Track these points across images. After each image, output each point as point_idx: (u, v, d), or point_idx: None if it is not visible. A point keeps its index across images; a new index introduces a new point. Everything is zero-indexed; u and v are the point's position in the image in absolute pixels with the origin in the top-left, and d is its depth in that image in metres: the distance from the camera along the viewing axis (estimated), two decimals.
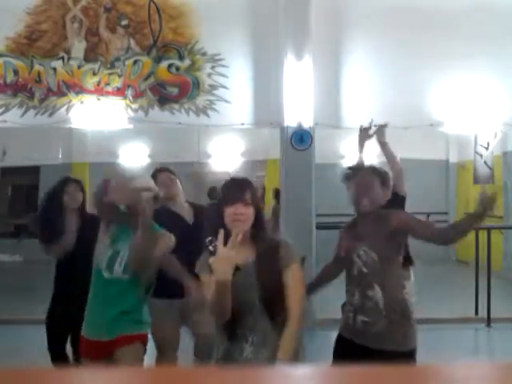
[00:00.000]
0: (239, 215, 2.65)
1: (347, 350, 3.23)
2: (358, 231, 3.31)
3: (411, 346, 3.21)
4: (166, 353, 4.03)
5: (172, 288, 3.77)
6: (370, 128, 4.71)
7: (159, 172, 4.21)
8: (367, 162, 4.17)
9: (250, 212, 2.67)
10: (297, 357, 2.64)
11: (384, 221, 3.23)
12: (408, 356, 3.15)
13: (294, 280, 2.68)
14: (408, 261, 3.86)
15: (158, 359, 4.05)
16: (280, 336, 2.60)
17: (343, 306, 3.39)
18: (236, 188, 2.72)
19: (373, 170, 3.43)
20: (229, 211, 2.65)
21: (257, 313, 2.64)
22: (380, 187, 3.32)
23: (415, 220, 3.33)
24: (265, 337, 2.63)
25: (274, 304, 2.64)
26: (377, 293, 3.18)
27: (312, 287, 3.46)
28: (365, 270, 3.21)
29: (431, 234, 3.26)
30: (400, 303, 3.23)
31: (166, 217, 3.79)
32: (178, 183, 4.21)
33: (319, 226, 7.29)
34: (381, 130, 4.76)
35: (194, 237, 3.34)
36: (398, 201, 4.12)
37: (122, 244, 3.29)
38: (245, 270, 2.64)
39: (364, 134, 4.69)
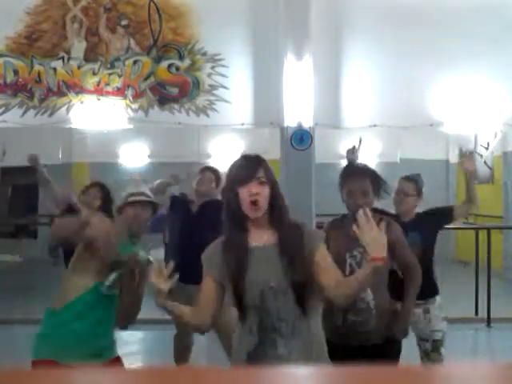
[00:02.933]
0: (254, 195, 2.38)
1: (337, 355, 3.20)
2: (348, 231, 3.21)
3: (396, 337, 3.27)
4: (182, 332, 4.44)
5: (185, 273, 3.81)
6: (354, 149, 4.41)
7: (204, 170, 4.95)
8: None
9: (265, 191, 2.41)
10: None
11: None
12: (391, 344, 3.21)
13: (326, 260, 2.43)
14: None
15: (175, 337, 4.53)
16: (309, 326, 2.40)
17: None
18: (247, 166, 2.45)
19: (368, 171, 3.36)
20: (242, 191, 2.39)
21: (283, 300, 2.37)
22: (373, 189, 3.27)
23: (403, 242, 3.32)
24: (294, 326, 2.38)
25: (305, 289, 2.38)
26: (368, 294, 3.15)
27: None
28: (357, 269, 3.15)
29: (405, 265, 3.33)
30: (390, 309, 3.25)
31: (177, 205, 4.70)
32: (213, 183, 4.82)
33: (319, 226, 7.28)
34: (469, 158, 4.62)
35: (194, 226, 3.49)
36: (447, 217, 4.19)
37: None
38: (265, 255, 2.41)
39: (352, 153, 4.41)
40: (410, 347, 3.77)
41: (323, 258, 2.42)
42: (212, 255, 2.51)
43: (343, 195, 3.30)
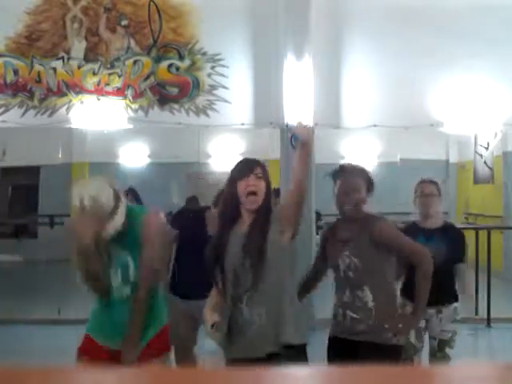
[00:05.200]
0: (251, 186, 2.78)
1: (341, 349, 3.23)
2: (340, 234, 3.24)
3: (395, 342, 3.21)
4: (179, 351, 3.98)
5: (191, 289, 3.80)
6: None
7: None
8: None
9: (262, 185, 2.81)
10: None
11: (367, 228, 3.16)
12: (392, 350, 3.15)
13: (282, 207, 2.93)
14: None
15: (175, 356, 3.95)
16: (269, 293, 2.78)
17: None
18: (247, 164, 2.88)
19: (361, 171, 3.33)
20: (241, 184, 2.79)
21: (246, 272, 2.79)
22: (365, 190, 3.26)
23: (398, 236, 3.26)
24: (260, 295, 2.78)
25: (261, 260, 2.76)
26: (366, 294, 3.16)
27: (303, 289, 3.36)
28: (350, 274, 3.17)
29: (411, 254, 3.23)
30: (390, 311, 3.22)
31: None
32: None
33: (318, 226, 7.30)
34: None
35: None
36: None
37: None
38: (238, 238, 2.83)
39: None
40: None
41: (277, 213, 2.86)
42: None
43: (335, 193, 3.26)
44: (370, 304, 3.15)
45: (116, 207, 2.83)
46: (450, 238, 4.04)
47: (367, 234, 3.14)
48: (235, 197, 2.82)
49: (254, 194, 2.79)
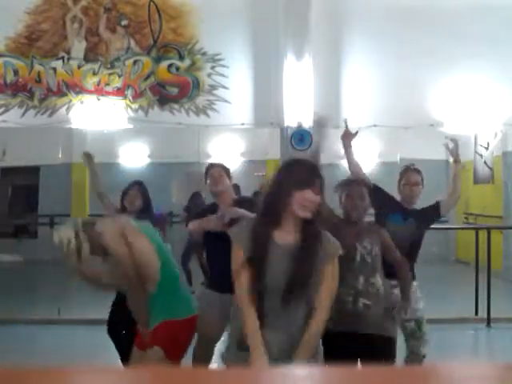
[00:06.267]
0: (311, 202, 2.60)
1: (341, 345, 3.32)
2: (353, 228, 3.52)
3: (395, 334, 3.57)
4: (203, 342, 4.00)
5: (223, 283, 3.82)
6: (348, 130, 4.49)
7: (211, 167, 4.35)
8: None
9: (318, 200, 2.63)
10: (316, 357, 2.68)
11: (375, 234, 3.53)
12: (392, 342, 3.48)
13: (331, 276, 2.69)
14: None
15: (196, 347, 3.99)
16: (300, 327, 2.63)
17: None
18: (308, 172, 2.66)
19: (364, 182, 3.74)
20: (299, 195, 2.59)
21: (283, 297, 2.61)
22: (368, 199, 3.59)
23: (392, 246, 3.60)
24: (288, 324, 2.63)
25: (304, 293, 2.63)
26: (378, 281, 3.41)
27: None
28: (368, 259, 3.41)
29: (394, 262, 3.59)
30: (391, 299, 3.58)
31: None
32: (226, 180, 4.27)
33: None
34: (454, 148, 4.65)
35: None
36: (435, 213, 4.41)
37: None
38: (286, 252, 2.64)
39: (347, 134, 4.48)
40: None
41: (327, 277, 2.67)
42: (241, 230, 2.74)
43: (341, 199, 3.60)
44: (381, 290, 3.40)
45: None
46: (421, 218, 4.28)
47: (377, 234, 3.54)
48: (287, 203, 2.63)
49: (310, 209, 2.62)
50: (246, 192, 6.72)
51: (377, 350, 3.31)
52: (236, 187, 8.29)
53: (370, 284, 3.38)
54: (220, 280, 3.85)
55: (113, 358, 4.58)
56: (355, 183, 3.68)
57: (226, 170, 4.35)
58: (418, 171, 4.38)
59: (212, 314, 3.98)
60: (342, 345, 3.32)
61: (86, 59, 7.20)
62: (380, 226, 3.72)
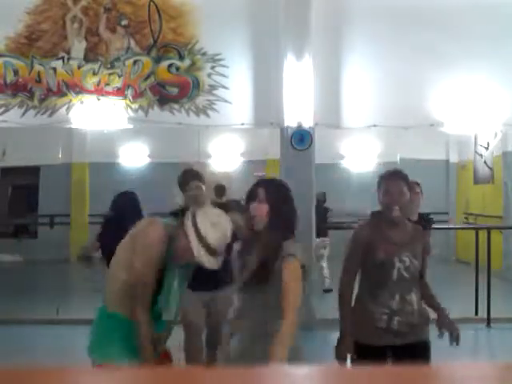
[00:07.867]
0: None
1: (381, 358, 3.22)
2: (393, 236, 3.29)
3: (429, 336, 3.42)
4: (190, 336, 4.43)
5: (203, 284, 4.09)
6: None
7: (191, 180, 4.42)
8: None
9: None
10: (295, 357, 2.63)
11: (419, 235, 3.38)
12: (428, 346, 3.38)
13: (291, 277, 2.73)
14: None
15: (185, 342, 4.42)
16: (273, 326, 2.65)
17: (362, 311, 3.30)
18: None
19: (404, 176, 3.39)
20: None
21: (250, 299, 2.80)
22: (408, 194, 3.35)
23: (427, 259, 3.48)
24: (257, 325, 2.75)
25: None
26: (413, 298, 3.27)
27: (347, 303, 3.35)
28: (406, 274, 3.23)
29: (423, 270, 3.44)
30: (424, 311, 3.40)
31: None
32: (203, 189, 4.41)
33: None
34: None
35: None
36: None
37: None
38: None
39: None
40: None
41: (290, 275, 2.75)
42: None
43: (380, 194, 3.34)
44: (416, 306, 3.27)
45: None
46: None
47: (421, 243, 3.34)
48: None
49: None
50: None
51: (416, 355, 3.20)
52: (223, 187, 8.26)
53: (406, 302, 3.24)
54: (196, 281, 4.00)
55: None
56: (395, 178, 3.35)
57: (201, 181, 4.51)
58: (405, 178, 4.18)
59: (193, 312, 4.39)
60: (380, 356, 3.22)
61: (86, 59, 7.19)
62: (425, 232, 3.47)
